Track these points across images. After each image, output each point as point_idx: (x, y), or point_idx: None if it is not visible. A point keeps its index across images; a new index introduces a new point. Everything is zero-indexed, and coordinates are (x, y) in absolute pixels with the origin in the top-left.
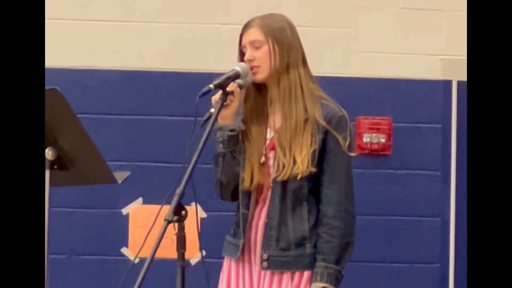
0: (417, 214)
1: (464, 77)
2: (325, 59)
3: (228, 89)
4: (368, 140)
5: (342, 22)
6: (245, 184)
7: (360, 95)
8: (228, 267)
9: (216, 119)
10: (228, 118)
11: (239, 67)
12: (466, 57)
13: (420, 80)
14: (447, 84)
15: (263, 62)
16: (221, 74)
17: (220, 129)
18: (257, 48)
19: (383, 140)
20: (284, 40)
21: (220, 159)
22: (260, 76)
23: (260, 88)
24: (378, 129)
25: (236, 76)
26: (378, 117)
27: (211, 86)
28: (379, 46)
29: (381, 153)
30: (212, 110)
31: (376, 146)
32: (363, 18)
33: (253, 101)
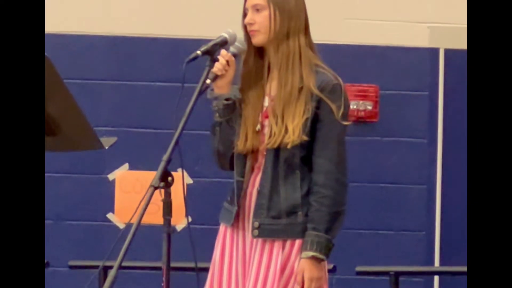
0: (404, 181)
1: (451, 45)
2: (313, 26)
3: (223, 58)
4: (354, 107)
5: None
6: (239, 146)
7: (347, 62)
8: (223, 234)
9: (202, 86)
10: (224, 87)
11: (226, 33)
12: (453, 25)
13: (408, 48)
14: (434, 51)
15: (262, 26)
16: (209, 41)
17: (216, 98)
18: (258, 11)
19: (369, 108)
20: (286, 6)
21: (217, 128)
22: (257, 39)
23: (260, 54)
24: (365, 96)
25: (223, 42)
26: (365, 84)
27: (199, 52)
28: (367, 13)
29: (367, 120)
30: (208, 81)
31: (362, 114)
32: None
33: (251, 66)
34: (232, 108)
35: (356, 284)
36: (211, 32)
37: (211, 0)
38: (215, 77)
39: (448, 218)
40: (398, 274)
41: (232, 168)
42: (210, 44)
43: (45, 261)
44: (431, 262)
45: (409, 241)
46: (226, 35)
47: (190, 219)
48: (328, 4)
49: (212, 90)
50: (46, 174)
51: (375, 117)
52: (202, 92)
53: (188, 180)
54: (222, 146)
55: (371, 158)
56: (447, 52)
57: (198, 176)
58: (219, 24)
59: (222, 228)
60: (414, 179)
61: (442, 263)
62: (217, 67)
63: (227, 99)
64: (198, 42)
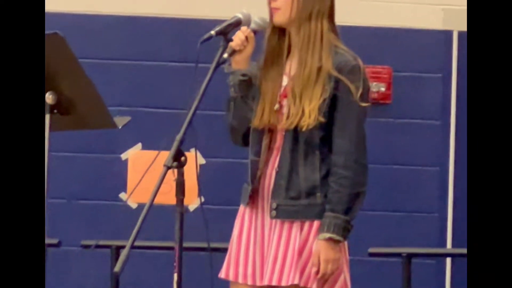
0: (417, 163)
1: (465, 27)
2: None
3: (242, 33)
4: None
5: None
6: (255, 121)
7: (361, 43)
8: (242, 214)
9: (218, 62)
10: (242, 63)
11: (240, 14)
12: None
13: (421, 30)
14: (448, 34)
15: (284, 5)
16: (223, 21)
17: (233, 73)
18: None
19: (383, 89)
20: None
21: (232, 103)
22: (278, 20)
23: (284, 31)
24: (378, 77)
25: (237, 23)
26: (378, 66)
27: (212, 32)
28: None
29: (381, 102)
30: (226, 55)
31: (376, 95)
32: None
33: (275, 43)
34: (248, 85)
35: (369, 266)
36: (226, 12)
37: None
38: (233, 52)
39: (461, 200)
40: (410, 255)
41: (245, 144)
42: (224, 24)
43: (57, 240)
44: (444, 244)
45: (422, 223)
46: (240, 16)
47: (203, 199)
48: None
49: (230, 65)
50: (59, 153)
51: (388, 99)
52: (217, 66)
53: (201, 160)
54: (236, 122)
55: (384, 140)
56: (461, 34)
57: (212, 156)
58: (234, 5)
59: (241, 208)
60: (427, 160)
61: (454, 245)
62: (236, 42)
63: (243, 75)
64: (212, 23)
